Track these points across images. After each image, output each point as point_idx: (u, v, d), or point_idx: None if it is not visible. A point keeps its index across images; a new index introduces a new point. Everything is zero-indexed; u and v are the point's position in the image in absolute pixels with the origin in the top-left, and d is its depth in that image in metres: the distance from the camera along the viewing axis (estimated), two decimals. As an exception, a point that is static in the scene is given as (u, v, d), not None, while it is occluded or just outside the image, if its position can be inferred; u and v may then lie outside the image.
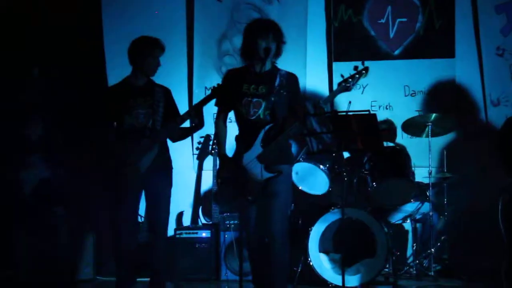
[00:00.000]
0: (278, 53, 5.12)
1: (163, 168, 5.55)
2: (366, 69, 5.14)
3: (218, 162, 6.62)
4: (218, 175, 5.17)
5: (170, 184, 5.60)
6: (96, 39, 7.62)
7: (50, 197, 5.92)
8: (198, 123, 5.56)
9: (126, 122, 5.48)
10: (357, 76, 5.09)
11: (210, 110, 6.81)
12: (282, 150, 5.06)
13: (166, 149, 5.59)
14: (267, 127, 5.03)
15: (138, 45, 5.53)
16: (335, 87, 7.34)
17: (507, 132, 5.65)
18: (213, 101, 5.42)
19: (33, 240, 6.30)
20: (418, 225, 6.95)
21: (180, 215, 7.26)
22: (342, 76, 5.17)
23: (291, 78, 5.15)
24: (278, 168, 5.03)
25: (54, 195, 5.93)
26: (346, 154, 6.83)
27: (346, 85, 5.06)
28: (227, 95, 5.18)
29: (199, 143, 7.30)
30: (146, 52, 5.48)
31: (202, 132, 7.05)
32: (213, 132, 7.08)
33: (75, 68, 7.44)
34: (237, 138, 5.18)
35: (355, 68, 5.15)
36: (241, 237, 5.01)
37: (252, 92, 5.06)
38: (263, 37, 4.99)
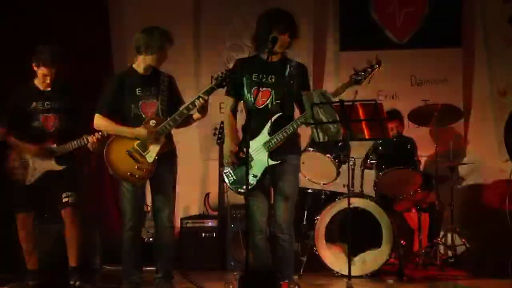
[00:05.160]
0: (289, 44, 5.14)
1: (168, 157, 5.55)
2: (379, 63, 5.13)
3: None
4: (224, 163, 5.20)
5: (175, 172, 5.60)
6: (102, 28, 7.64)
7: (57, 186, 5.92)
8: (203, 112, 5.52)
9: (132, 112, 5.47)
10: (370, 70, 5.08)
11: (216, 100, 6.84)
12: (290, 140, 5.08)
13: (170, 137, 5.59)
14: (275, 116, 5.05)
15: (148, 37, 5.45)
16: (341, 76, 7.40)
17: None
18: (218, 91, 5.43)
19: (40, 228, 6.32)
20: (424, 214, 6.95)
21: (186, 204, 7.30)
22: (354, 69, 5.15)
23: (301, 69, 5.17)
24: (283, 156, 5.06)
25: (62, 184, 5.92)
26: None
27: (357, 79, 5.06)
28: (237, 85, 5.20)
29: (215, 129, 7.18)
30: (156, 45, 5.43)
31: (208, 121, 7.07)
32: (217, 122, 7.12)
33: (81, 56, 7.46)
34: (244, 127, 5.19)
35: (368, 61, 5.13)
36: (247, 227, 5.02)
37: (262, 81, 5.07)
38: (276, 27, 5.01)
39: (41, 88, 5.89)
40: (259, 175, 5.09)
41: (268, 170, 5.09)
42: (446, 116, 6.75)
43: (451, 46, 7.39)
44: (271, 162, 5.06)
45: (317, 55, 7.52)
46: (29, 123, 5.85)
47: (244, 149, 4.92)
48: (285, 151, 5.09)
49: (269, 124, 5.06)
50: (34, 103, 5.86)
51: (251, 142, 5.10)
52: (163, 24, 5.65)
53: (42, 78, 5.85)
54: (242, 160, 5.03)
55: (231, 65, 5.56)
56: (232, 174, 5.19)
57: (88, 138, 5.72)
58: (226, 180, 5.25)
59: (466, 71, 7.39)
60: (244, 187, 5.06)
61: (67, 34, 7.45)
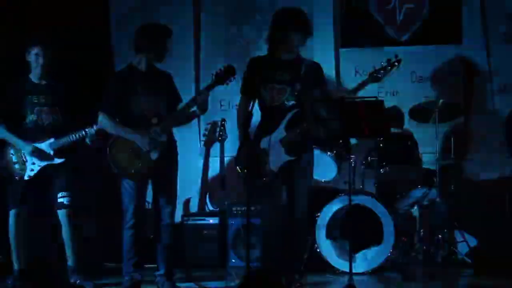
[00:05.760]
0: (303, 42, 5.19)
1: (170, 154, 5.54)
2: (399, 61, 5.17)
3: (225, 148, 6.69)
4: (239, 160, 5.23)
5: (176, 169, 5.60)
6: (102, 23, 7.64)
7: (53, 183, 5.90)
8: (203, 109, 5.53)
9: (133, 109, 5.46)
10: (389, 68, 5.12)
11: (216, 97, 6.85)
12: (304, 136, 5.12)
13: (171, 135, 5.59)
14: (292, 112, 5.09)
15: (149, 34, 5.46)
16: (341, 73, 7.40)
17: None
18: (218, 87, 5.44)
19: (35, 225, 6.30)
20: (425, 211, 6.95)
21: (187, 202, 7.28)
22: (374, 67, 5.20)
23: (315, 67, 5.23)
24: (298, 153, 5.10)
25: (58, 182, 5.89)
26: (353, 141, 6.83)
27: (377, 76, 5.09)
28: (252, 83, 5.23)
29: (206, 129, 7.29)
30: (156, 42, 5.44)
31: (208, 118, 7.08)
32: (218, 119, 7.13)
33: (80, 52, 7.44)
34: (259, 125, 5.23)
35: (388, 60, 5.18)
36: (249, 224, 5.02)
37: (277, 79, 5.13)
38: (290, 26, 5.06)
39: (36, 81, 5.86)
40: (275, 170, 5.13)
41: (284, 166, 5.12)
42: (447, 113, 6.75)
43: (452, 43, 7.38)
44: (287, 158, 5.10)
45: (317, 51, 7.50)
46: (24, 117, 5.82)
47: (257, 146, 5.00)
48: (300, 148, 5.14)
49: (285, 120, 5.11)
50: (29, 96, 5.83)
51: (267, 139, 5.14)
52: (164, 21, 5.67)
53: (35, 60, 5.79)
54: (257, 157, 5.09)
55: (231, 64, 5.54)
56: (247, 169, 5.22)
57: (87, 130, 5.69)
58: (241, 174, 5.29)
59: (466, 67, 7.37)
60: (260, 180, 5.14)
61: (67, 30, 7.44)
